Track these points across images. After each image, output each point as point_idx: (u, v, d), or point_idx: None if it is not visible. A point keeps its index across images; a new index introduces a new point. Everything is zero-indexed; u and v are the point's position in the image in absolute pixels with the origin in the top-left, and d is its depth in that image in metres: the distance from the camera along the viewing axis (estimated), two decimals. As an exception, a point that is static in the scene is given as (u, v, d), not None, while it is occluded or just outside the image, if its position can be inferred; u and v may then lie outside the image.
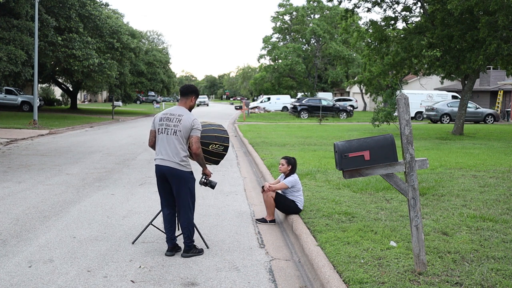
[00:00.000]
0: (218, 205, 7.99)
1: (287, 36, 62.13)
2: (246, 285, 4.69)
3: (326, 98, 47.94)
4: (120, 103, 45.02)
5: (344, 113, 39.54)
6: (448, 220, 6.31)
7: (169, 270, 5.02)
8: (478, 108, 34.65)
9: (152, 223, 5.98)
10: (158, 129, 5.42)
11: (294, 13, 60.25)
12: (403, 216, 6.59)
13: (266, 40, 58.08)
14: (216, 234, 6.29)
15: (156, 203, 7.96)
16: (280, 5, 60.62)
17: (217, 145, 5.72)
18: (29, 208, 7.47)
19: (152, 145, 5.57)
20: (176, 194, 5.41)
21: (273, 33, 61.53)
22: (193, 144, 5.33)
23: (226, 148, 5.82)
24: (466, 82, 21.91)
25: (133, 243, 5.80)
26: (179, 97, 5.56)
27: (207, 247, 5.72)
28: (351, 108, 43.63)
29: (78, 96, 56.52)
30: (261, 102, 54.95)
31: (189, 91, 5.53)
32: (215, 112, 50.73)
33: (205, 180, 5.74)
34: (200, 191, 9.09)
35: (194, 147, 5.33)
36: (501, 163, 11.64)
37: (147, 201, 8.17)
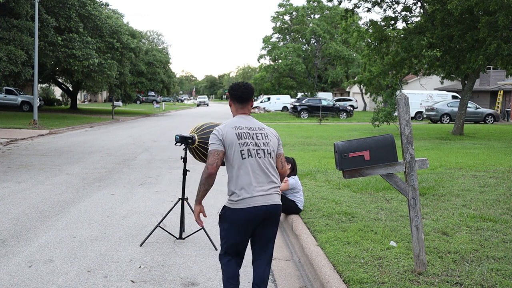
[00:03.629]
0: (218, 205, 7.98)
1: (287, 36, 62.11)
2: (246, 285, 4.69)
3: (326, 98, 47.96)
4: (120, 103, 45.00)
5: (344, 113, 39.55)
6: (448, 220, 6.31)
7: (169, 270, 5.02)
8: (478, 108, 34.65)
9: (160, 224, 5.98)
10: (241, 150, 3.75)
11: (294, 13, 60.24)
12: (403, 216, 6.59)
13: (266, 40, 58.08)
14: (216, 234, 6.26)
15: (156, 203, 7.97)
16: (280, 5, 60.61)
17: None
18: (29, 208, 7.47)
19: (215, 172, 3.76)
20: (268, 238, 3.90)
21: (273, 33, 61.53)
22: (284, 165, 4.04)
23: None
24: (466, 82, 21.91)
25: (141, 245, 5.78)
26: (238, 104, 3.93)
27: (216, 249, 5.70)
28: (351, 108, 43.64)
29: (78, 96, 56.51)
30: (261, 102, 54.96)
31: (251, 94, 3.96)
32: (215, 112, 50.72)
33: None
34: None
35: (285, 169, 4.08)
36: (501, 163, 11.63)
37: (147, 201, 8.17)
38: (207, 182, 3.78)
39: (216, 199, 8.43)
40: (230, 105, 4.03)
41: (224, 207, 3.88)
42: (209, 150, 3.79)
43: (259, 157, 3.79)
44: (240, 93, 3.91)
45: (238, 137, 3.79)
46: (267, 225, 3.84)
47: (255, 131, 3.87)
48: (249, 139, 3.81)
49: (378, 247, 5.25)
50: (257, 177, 3.76)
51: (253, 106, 50.63)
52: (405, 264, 4.73)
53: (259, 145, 3.83)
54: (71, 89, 43.75)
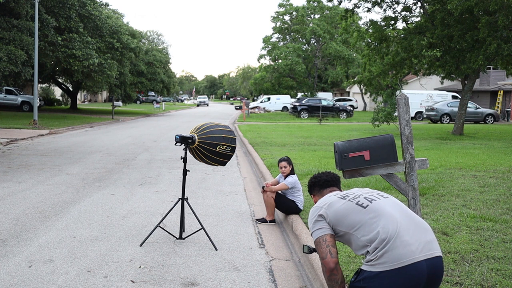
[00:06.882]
0: (218, 205, 7.98)
1: (287, 36, 62.14)
2: (246, 285, 4.69)
3: (326, 98, 47.98)
4: (120, 103, 44.99)
5: (344, 113, 39.55)
6: (448, 220, 6.31)
7: (169, 270, 5.02)
8: (478, 108, 34.65)
9: (160, 224, 5.97)
10: (358, 202, 2.87)
11: (294, 13, 60.26)
12: (403, 216, 6.58)
13: (266, 40, 58.11)
14: (216, 234, 6.28)
15: (156, 203, 7.96)
16: (280, 5, 60.65)
17: (224, 146, 5.70)
18: (29, 208, 7.47)
19: (335, 264, 2.77)
20: None
21: (273, 33, 61.58)
22: None
23: (233, 149, 5.79)
24: (466, 82, 21.92)
25: (141, 245, 5.77)
26: (325, 189, 3.26)
27: (216, 249, 5.69)
28: (351, 108, 43.68)
29: (78, 96, 56.51)
30: (261, 102, 55.00)
31: (338, 178, 3.37)
32: (215, 112, 50.73)
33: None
34: (199, 190, 9.10)
35: None
36: (501, 163, 11.63)
37: (147, 201, 8.17)
38: (333, 280, 2.74)
39: (216, 199, 8.43)
40: (315, 202, 3.18)
41: (361, 271, 2.64)
42: (314, 241, 2.80)
43: (385, 197, 2.86)
44: (325, 176, 3.24)
45: (342, 197, 2.90)
46: None
47: (357, 192, 3.01)
48: (357, 192, 2.97)
49: (378, 247, 5.24)
50: (400, 218, 2.62)
51: (253, 106, 50.86)
52: (405, 264, 4.72)
53: (373, 192, 3.01)
54: (71, 89, 43.75)
